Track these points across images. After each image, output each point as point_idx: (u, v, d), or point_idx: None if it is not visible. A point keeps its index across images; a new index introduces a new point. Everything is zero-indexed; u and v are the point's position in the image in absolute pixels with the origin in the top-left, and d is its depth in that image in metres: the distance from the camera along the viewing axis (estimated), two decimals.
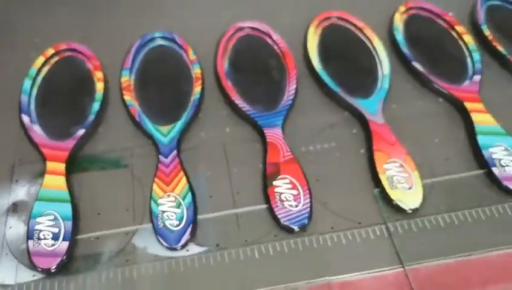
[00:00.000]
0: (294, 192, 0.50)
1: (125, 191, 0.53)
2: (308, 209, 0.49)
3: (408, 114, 0.60)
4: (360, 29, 0.67)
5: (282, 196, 0.50)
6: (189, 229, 0.48)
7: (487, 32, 0.67)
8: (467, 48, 0.65)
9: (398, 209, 0.50)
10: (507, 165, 0.52)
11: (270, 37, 0.66)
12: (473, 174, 0.54)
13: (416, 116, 0.59)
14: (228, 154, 0.56)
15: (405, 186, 0.51)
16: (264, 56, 0.65)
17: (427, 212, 0.51)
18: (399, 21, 0.68)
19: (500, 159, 0.53)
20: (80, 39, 0.66)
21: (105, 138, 0.58)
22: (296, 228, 0.49)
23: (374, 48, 0.65)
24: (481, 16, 0.69)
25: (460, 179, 0.54)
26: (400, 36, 0.66)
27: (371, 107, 0.58)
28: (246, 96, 0.60)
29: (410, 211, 0.50)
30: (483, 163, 0.54)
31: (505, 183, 0.51)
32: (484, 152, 0.54)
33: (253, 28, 0.68)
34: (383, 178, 0.52)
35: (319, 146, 0.57)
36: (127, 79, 0.62)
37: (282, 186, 0.51)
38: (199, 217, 0.51)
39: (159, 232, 0.48)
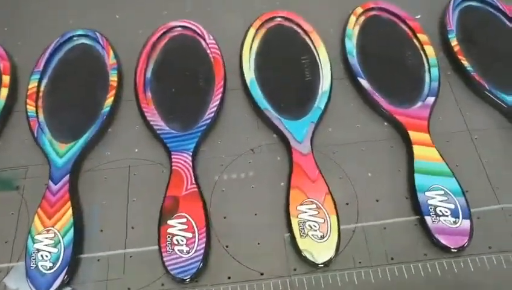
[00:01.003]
0: (189, 235, 0.44)
1: (9, 219, 0.47)
2: (201, 257, 0.43)
3: (345, 140, 0.52)
4: (307, 34, 0.59)
5: (175, 239, 0.44)
6: (64, 272, 0.43)
7: (454, 42, 0.57)
8: (428, 62, 0.56)
9: (307, 261, 0.43)
10: (443, 215, 0.44)
11: (205, 40, 0.58)
12: (405, 221, 0.46)
13: (353, 144, 0.52)
14: (131, 180, 0.50)
15: (317, 234, 0.44)
16: (194, 63, 0.58)
17: (341, 267, 0.44)
18: (353, 25, 0.59)
19: (435, 207, 0.45)
20: None
21: (1, 152, 0.52)
22: (185, 279, 0.42)
23: (318, 57, 0.57)
24: (451, 20, 0.59)
25: (388, 226, 0.46)
26: (350, 44, 0.57)
27: (298, 132, 0.50)
28: (163, 111, 0.53)
29: (321, 265, 0.43)
30: (417, 208, 0.46)
31: (437, 236, 0.44)
32: (419, 195, 0.46)
33: (186, 28, 0.60)
34: (294, 222, 0.45)
35: (234, 175, 0.50)
36: (35, 85, 0.55)
37: (176, 226, 0.44)
38: (84, 255, 0.45)
39: (30, 274, 0.43)
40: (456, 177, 0.47)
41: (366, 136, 0.52)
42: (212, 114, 0.52)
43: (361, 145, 0.51)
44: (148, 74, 0.56)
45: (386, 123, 0.53)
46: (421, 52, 0.57)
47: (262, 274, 0.44)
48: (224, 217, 0.47)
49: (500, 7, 0.59)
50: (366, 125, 0.53)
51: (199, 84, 0.55)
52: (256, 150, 0.51)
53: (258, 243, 0.45)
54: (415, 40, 0.58)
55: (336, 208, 0.46)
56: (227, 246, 0.45)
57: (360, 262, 0.44)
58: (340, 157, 0.50)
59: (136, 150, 0.52)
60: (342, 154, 0.51)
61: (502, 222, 0.46)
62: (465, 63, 0.55)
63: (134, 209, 0.48)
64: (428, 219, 0.44)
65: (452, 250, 0.43)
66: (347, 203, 0.47)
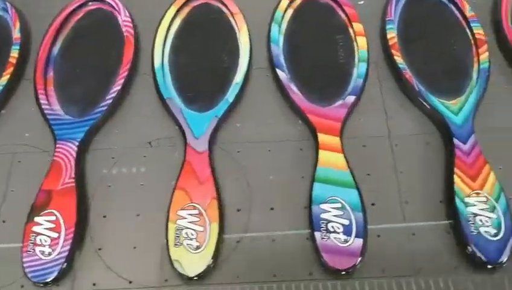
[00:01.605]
0: (54, 234, 0.40)
1: None
2: (63, 260, 0.39)
3: (252, 138, 0.47)
4: (233, 15, 0.53)
5: (38, 238, 0.40)
6: None
7: (391, 34, 0.51)
8: (358, 55, 0.50)
9: (179, 273, 0.39)
10: (334, 231, 0.40)
11: (120, 16, 0.53)
12: (297, 235, 0.42)
13: (260, 142, 0.47)
14: (14, 168, 0.46)
15: (193, 244, 0.40)
16: (105, 42, 0.53)
17: (218, 280, 0.40)
18: (284, 8, 0.53)
19: (328, 222, 0.40)
20: None
21: None
22: (42, 283, 0.39)
23: (239, 43, 0.51)
24: (392, 9, 0.53)
25: (279, 239, 0.42)
26: (276, 30, 0.52)
27: (198, 126, 0.46)
28: (62, 94, 0.49)
29: (195, 278, 0.39)
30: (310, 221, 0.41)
31: (324, 255, 0.39)
32: (313, 207, 0.41)
33: (104, 2, 0.55)
34: (170, 228, 0.41)
35: (124, 170, 0.46)
36: None
37: (43, 224, 0.41)
38: None
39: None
40: (359, 189, 0.42)
41: (277, 136, 0.47)
42: (110, 100, 0.48)
43: (269, 145, 0.47)
44: (55, 52, 0.52)
45: (300, 122, 0.48)
46: (354, 44, 0.51)
47: (130, 283, 0.40)
48: (104, 216, 0.43)
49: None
50: (279, 123, 0.48)
51: (106, 66, 0.51)
52: (153, 143, 0.47)
53: (134, 248, 0.42)
54: (350, 30, 0.52)
55: (221, 215, 0.41)
56: (99, 249, 0.42)
57: (237, 277, 0.40)
58: (242, 157, 0.46)
59: (27, 135, 0.48)
60: (245, 154, 0.46)
61: (403, 242, 0.41)
62: (398, 59, 0.49)
63: (11, 200, 0.44)
64: (317, 234, 0.40)
65: (340, 271, 0.39)
66: (238, 210, 0.43)
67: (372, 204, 0.43)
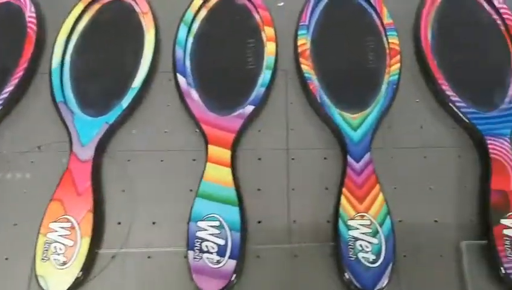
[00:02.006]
0: None
1: None
2: None
3: (144, 146, 0.45)
4: (143, 14, 0.51)
5: None
6: None
7: (302, 40, 0.49)
8: (266, 62, 0.48)
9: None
10: (208, 251, 0.38)
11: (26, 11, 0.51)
12: (174, 253, 0.40)
13: (152, 151, 0.45)
14: None
15: (59, 259, 0.38)
16: (8, 39, 0.51)
17: None
18: (197, 8, 0.51)
19: (203, 241, 0.39)
20: None
21: None
22: None
23: (144, 44, 0.49)
24: (308, 13, 0.50)
25: (155, 255, 0.40)
26: (184, 31, 0.50)
27: (87, 132, 0.44)
28: None
29: None
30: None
31: (194, 277, 0.38)
32: (191, 224, 0.40)
33: None
34: (40, 242, 0.39)
35: (9, 175, 0.44)
36: None
37: None
38: None
39: None
40: (241, 207, 0.40)
41: (170, 145, 0.45)
42: (1, 101, 0.46)
43: (162, 155, 0.45)
44: None
45: (197, 131, 0.46)
46: (264, 50, 0.49)
47: None
48: None
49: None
50: (176, 131, 0.46)
51: (5, 65, 0.48)
52: (43, 148, 0.45)
53: (6, 259, 0.40)
54: (263, 34, 0.50)
55: (95, 229, 0.40)
56: None
57: None
58: (132, 167, 0.44)
59: None
60: (135, 163, 0.44)
61: (285, 264, 0.40)
62: (305, 68, 0.47)
63: None
64: (190, 254, 0.38)
65: None
66: (119, 223, 0.41)
67: (259, 222, 0.41)
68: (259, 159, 0.44)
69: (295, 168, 0.44)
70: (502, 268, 0.38)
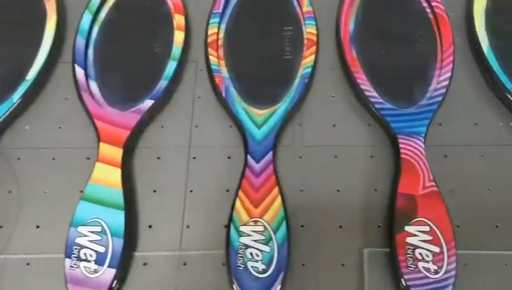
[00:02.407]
0: None
1: None
2: None
3: (36, 144, 0.42)
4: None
5: None
6: None
7: (212, 29, 0.45)
8: (173, 53, 0.45)
9: None
10: (86, 259, 0.35)
11: None
12: (54, 259, 0.37)
13: (44, 149, 0.42)
14: None
15: None
16: None
17: None
18: None
19: (81, 247, 0.36)
20: None
21: None
22: None
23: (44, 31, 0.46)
24: (221, 2, 0.47)
25: (32, 262, 0.37)
26: (88, 18, 0.46)
27: None
28: None
29: None
30: None
31: (69, 287, 0.35)
32: (70, 229, 0.37)
33: None
34: None
35: None
36: None
37: None
38: None
39: None
40: (128, 211, 0.37)
41: (63, 142, 0.42)
42: None
43: (54, 153, 0.42)
44: None
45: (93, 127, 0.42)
46: (172, 38, 0.45)
47: None
48: None
49: None
50: (71, 127, 0.43)
51: None
52: None
53: None
54: (174, 22, 0.46)
55: None
56: None
57: None
58: (21, 166, 0.41)
59: None
60: (25, 162, 0.41)
61: (172, 272, 0.37)
62: (212, 58, 0.44)
63: None
64: (67, 262, 0.35)
65: None
66: (1, 227, 0.38)
67: (150, 226, 0.38)
68: (158, 158, 0.41)
69: (196, 168, 0.41)
70: (402, 280, 0.35)
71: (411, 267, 0.35)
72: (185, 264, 0.37)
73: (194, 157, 0.41)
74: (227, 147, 0.41)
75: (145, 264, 0.37)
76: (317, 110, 0.43)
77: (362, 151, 0.41)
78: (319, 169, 0.41)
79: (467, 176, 0.40)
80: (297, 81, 0.43)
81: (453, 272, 0.35)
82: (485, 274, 0.37)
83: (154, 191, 0.40)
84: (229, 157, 0.41)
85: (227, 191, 0.39)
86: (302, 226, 0.38)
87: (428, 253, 0.35)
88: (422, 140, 0.40)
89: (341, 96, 0.44)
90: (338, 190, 0.40)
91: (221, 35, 0.46)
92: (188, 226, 0.38)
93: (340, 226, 0.38)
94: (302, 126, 0.43)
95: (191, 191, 0.40)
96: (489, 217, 0.38)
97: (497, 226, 0.38)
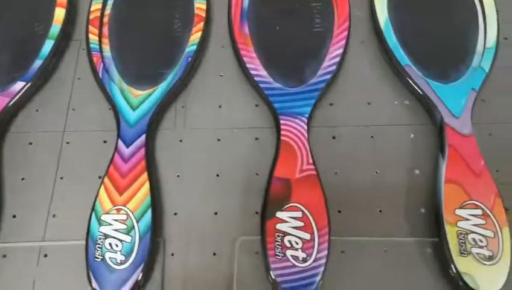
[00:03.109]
0: None
1: None
2: None
3: None
4: None
5: None
6: None
7: (95, 5, 0.43)
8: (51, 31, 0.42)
9: None
10: None
11: None
12: None
13: None
14: None
15: None
16: None
17: None
18: None
19: None
20: None
21: None
22: None
23: None
24: None
25: None
26: None
27: None
28: None
29: None
30: None
31: None
32: None
33: None
34: None
35: None
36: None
37: None
38: None
39: None
40: None
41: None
42: None
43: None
44: None
45: None
46: (52, 16, 0.43)
47: None
48: None
49: None
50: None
51: None
52: None
53: None
54: None
55: None
56: None
57: None
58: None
59: None
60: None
61: (31, 263, 0.35)
62: (92, 36, 0.41)
63: None
64: None
65: None
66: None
67: (14, 216, 0.36)
68: (31, 143, 0.39)
69: (69, 153, 0.38)
70: (270, 272, 0.33)
71: (279, 255, 0.33)
72: (46, 256, 0.35)
73: (68, 143, 0.39)
74: (103, 131, 0.39)
75: (4, 256, 0.35)
76: (204, 91, 0.41)
77: (248, 134, 0.39)
78: (201, 153, 0.38)
79: (355, 159, 0.38)
80: (181, 59, 0.40)
81: (323, 261, 0.33)
82: (363, 261, 0.35)
83: (23, 179, 0.38)
84: (105, 142, 0.39)
85: (100, 177, 0.37)
86: (175, 214, 0.36)
87: (298, 240, 0.33)
88: (306, 121, 0.37)
89: (230, 76, 0.41)
90: (218, 175, 0.38)
91: (108, 11, 0.43)
92: (54, 215, 0.36)
93: (216, 213, 0.36)
94: (186, 108, 0.40)
95: (62, 178, 0.37)
96: (374, 202, 0.36)
97: (380, 211, 0.36)
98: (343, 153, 0.38)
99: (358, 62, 0.41)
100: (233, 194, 0.37)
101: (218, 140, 0.39)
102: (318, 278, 0.32)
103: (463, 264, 0.32)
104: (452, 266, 0.33)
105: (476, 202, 0.34)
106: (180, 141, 0.39)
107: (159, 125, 0.39)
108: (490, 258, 0.32)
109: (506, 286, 0.32)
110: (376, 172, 0.37)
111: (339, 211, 0.36)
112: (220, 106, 0.40)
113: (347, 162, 0.38)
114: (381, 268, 0.34)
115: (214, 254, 0.35)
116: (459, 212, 0.34)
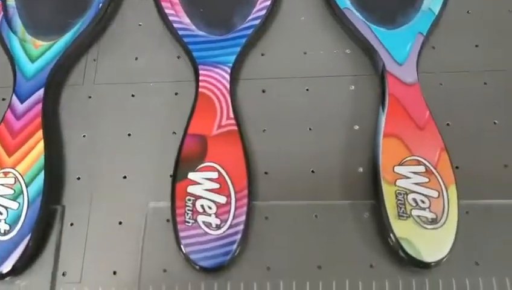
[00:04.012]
0: None
1: None
2: None
3: None
4: None
5: None
6: None
7: None
8: None
9: None
10: None
11: None
12: None
13: None
14: None
15: None
16: None
17: None
18: None
19: None
20: None
21: None
22: None
23: None
24: None
25: None
26: None
27: None
28: None
29: None
30: None
31: None
32: None
33: None
34: None
35: None
36: None
37: None
38: None
39: None
40: None
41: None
42: None
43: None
44: None
45: None
46: None
47: None
48: None
49: None
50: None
51: None
52: None
53: None
54: None
55: None
56: None
57: None
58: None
59: None
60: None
61: None
62: None
63: None
64: None
65: None
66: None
67: None
68: None
69: None
70: (182, 246, 0.28)
71: (189, 222, 0.28)
72: None
73: None
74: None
75: None
76: (119, 42, 0.36)
77: (167, 88, 0.34)
78: (111, 111, 0.34)
79: (286, 114, 0.33)
80: (92, 6, 0.35)
81: (240, 227, 0.28)
82: (290, 228, 0.30)
83: None
84: (3, 99, 0.34)
85: None
86: (78, 178, 0.32)
87: (211, 204, 0.29)
88: (229, 71, 0.33)
89: (149, 25, 0.36)
90: (129, 135, 0.33)
91: None
92: None
93: (125, 177, 0.32)
94: (98, 61, 0.35)
95: None
96: (306, 162, 0.32)
97: (313, 171, 0.32)
98: (273, 108, 0.33)
99: (293, 7, 0.36)
100: (146, 155, 0.32)
101: (132, 96, 0.34)
102: (234, 247, 0.28)
103: (401, 229, 0.28)
104: (390, 231, 0.28)
105: (418, 158, 0.30)
106: (89, 97, 0.34)
107: (65, 80, 0.34)
108: (433, 221, 0.28)
109: (452, 254, 0.27)
110: (309, 128, 0.33)
111: (266, 173, 0.31)
112: (136, 58, 0.35)
113: (277, 119, 0.33)
114: (310, 235, 0.30)
115: (120, 223, 0.30)
116: (398, 169, 0.29)
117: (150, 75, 0.35)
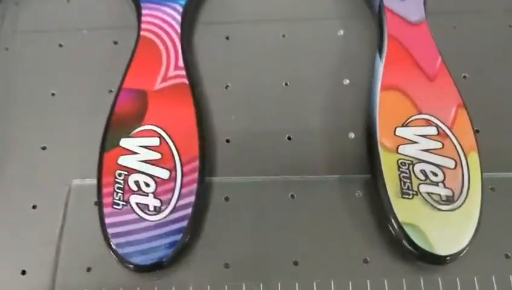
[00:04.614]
0: None
1: None
2: None
3: None
4: None
5: None
6: None
7: None
8: None
9: None
10: None
11: None
12: None
13: None
14: None
15: None
16: None
17: None
18: None
19: None
20: None
21: None
22: None
23: None
24: None
25: None
26: None
27: None
28: None
29: None
30: None
31: None
32: None
33: None
34: None
35: None
36: None
37: None
38: None
39: None
40: None
41: None
42: None
43: None
44: None
45: None
46: None
47: None
48: None
49: None
50: None
51: None
52: None
53: None
54: None
55: None
56: None
57: None
58: None
59: None
60: None
61: None
62: None
63: None
64: None
65: None
66: None
67: None
68: None
69: None
70: (108, 237, 0.21)
71: (118, 204, 0.21)
72: None
73: None
74: None
75: None
76: None
77: (104, 36, 0.27)
78: (34, 65, 0.26)
79: (257, 66, 0.26)
80: None
81: (188, 210, 0.21)
82: (260, 211, 0.23)
83: None
84: None
85: None
86: None
87: (150, 180, 0.21)
88: (181, 10, 0.25)
89: None
90: (53, 94, 0.25)
91: None
92: None
93: (44, 148, 0.24)
94: (20, 5, 0.28)
95: None
96: (280, 126, 0.24)
97: (289, 138, 0.24)
98: (239, 58, 0.26)
99: None
100: (72, 121, 0.25)
101: (60, 46, 0.27)
102: (179, 237, 0.20)
103: (406, 211, 0.21)
104: (390, 215, 0.21)
105: (428, 116, 0.22)
106: (6, 49, 0.27)
107: None
108: (448, 200, 0.20)
109: (473, 245, 0.20)
110: (286, 84, 0.25)
111: (227, 141, 0.24)
112: (68, 0, 0.28)
113: (244, 72, 0.26)
114: (285, 222, 0.22)
115: (34, 207, 0.23)
116: (401, 132, 0.22)
117: (84, 20, 0.27)
